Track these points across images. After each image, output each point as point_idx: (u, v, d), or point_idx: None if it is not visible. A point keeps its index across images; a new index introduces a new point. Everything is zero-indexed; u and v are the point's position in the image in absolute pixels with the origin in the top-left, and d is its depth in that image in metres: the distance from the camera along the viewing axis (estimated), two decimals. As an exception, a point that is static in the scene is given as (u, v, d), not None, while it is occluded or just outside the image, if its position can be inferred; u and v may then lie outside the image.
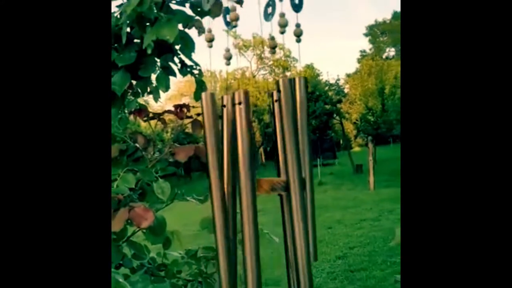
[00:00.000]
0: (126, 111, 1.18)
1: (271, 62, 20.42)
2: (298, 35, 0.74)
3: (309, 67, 19.58)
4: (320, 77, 19.63)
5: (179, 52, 0.97)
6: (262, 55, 20.90)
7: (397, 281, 3.32)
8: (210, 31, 0.76)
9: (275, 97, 0.73)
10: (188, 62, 1.01)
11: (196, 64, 0.99)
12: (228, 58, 0.75)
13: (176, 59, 0.99)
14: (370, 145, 10.16)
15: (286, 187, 0.71)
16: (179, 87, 18.53)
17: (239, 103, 0.69)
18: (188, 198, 1.25)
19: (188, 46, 0.92)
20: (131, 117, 1.05)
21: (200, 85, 1.00)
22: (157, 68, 1.00)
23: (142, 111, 1.02)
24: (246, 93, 0.71)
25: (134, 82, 1.07)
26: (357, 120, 16.22)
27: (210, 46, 0.75)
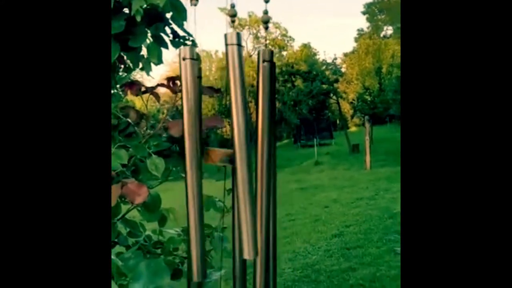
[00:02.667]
0: (118, 88, 1.14)
1: (267, 42, 20.15)
2: (266, 21, 0.72)
3: (306, 46, 19.35)
4: (317, 57, 19.45)
5: (170, 21, 0.93)
6: (258, 35, 20.60)
7: (397, 253, 3.38)
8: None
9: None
10: (181, 33, 0.96)
11: (189, 35, 0.94)
12: (233, 15, 0.72)
13: (167, 30, 0.94)
14: (367, 124, 10.15)
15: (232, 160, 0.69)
16: (174, 68, 18.30)
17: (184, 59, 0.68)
18: (183, 175, 1.22)
19: (180, 14, 0.87)
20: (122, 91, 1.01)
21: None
22: (148, 41, 0.95)
23: (134, 84, 0.98)
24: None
25: (125, 58, 1.03)
26: (354, 99, 16.17)
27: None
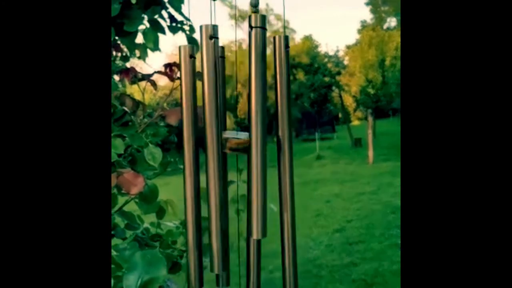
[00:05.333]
0: (115, 76, 1.11)
1: (268, 34, 20.00)
2: (255, 5, 0.66)
3: (308, 38, 19.22)
4: (319, 49, 19.32)
5: (167, 5, 0.89)
6: (261, 27, 20.41)
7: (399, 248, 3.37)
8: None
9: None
10: (179, 18, 0.92)
11: (187, 19, 0.90)
12: (255, 5, 0.66)
13: (164, 14, 0.90)
14: (370, 118, 10.09)
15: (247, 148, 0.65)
16: (175, 59, 18.23)
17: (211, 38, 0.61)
18: (181, 166, 1.19)
19: (177, -4, 0.84)
20: (116, 77, 0.97)
21: (191, 43, 0.92)
22: (144, 26, 0.92)
23: (129, 70, 0.95)
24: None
25: (121, 44, 0.99)
26: (356, 92, 16.07)
27: None
